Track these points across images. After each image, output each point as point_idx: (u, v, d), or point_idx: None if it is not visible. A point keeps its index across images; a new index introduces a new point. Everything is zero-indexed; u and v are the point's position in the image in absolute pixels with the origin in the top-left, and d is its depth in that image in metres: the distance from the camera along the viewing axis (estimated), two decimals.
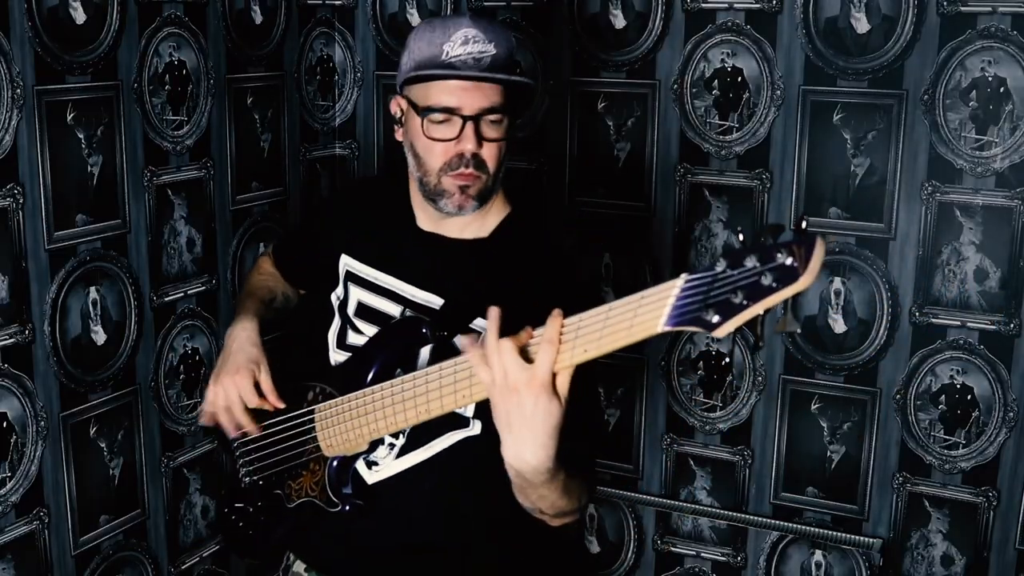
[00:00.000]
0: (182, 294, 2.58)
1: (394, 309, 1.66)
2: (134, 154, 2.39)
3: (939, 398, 2.54)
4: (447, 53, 1.55)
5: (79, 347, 2.32)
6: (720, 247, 2.67)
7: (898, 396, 2.57)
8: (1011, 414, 2.47)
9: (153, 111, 2.43)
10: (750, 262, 1.11)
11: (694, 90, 2.62)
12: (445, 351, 1.52)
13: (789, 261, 1.08)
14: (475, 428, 1.61)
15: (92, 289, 2.33)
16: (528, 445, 1.30)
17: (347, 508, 1.63)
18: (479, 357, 1.31)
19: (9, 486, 2.20)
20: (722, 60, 2.58)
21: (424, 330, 1.57)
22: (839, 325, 2.60)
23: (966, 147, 2.41)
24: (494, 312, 1.31)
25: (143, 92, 2.39)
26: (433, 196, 1.60)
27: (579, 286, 1.73)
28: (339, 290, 1.75)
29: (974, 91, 2.38)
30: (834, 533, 2.68)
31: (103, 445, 2.42)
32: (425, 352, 1.60)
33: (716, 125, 2.62)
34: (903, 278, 2.52)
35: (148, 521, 2.56)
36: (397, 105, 1.65)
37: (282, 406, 1.69)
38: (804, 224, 1.09)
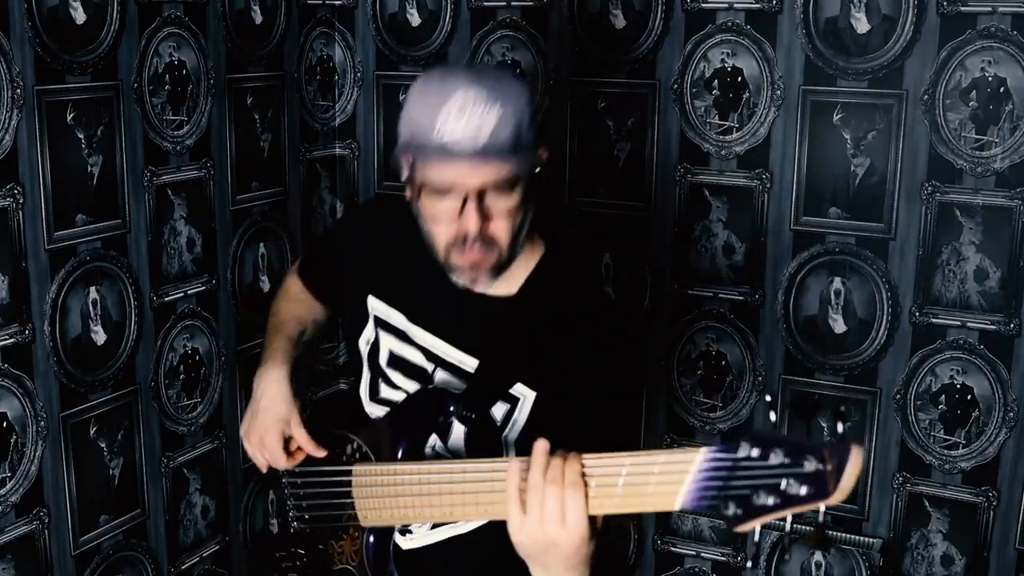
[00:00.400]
0: (182, 294, 2.58)
1: (427, 364, 1.57)
2: (134, 154, 2.39)
3: (939, 398, 2.54)
4: (438, 129, 1.37)
5: (79, 347, 2.32)
6: (720, 247, 2.67)
7: (898, 396, 2.57)
8: (1011, 414, 2.47)
9: (153, 111, 2.43)
10: (776, 458, 1.05)
11: (694, 90, 2.62)
12: (480, 426, 1.46)
13: (818, 469, 1.03)
14: None
15: (92, 289, 2.33)
16: (560, 551, 1.21)
17: None
18: (515, 490, 1.22)
19: (9, 486, 2.20)
20: (722, 60, 2.58)
21: (451, 407, 1.49)
22: (839, 325, 2.60)
23: (966, 147, 2.41)
24: (541, 448, 1.21)
25: (143, 92, 2.39)
26: (446, 268, 1.48)
27: (616, 345, 1.56)
28: (369, 333, 1.64)
29: (974, 91, 2.38)
30: (835, 533, 2.68)
31: (103, 445, 2.42)
32: (458, 428, 1.53)
33: (716, 125, 2.62)
34: (903, 278, 2.52)
35: (148, 521, 2.56)
36: (406, 163, 1.47)
37: (322, 455, 1.60)
38: (841, 428, 1.04)
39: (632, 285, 2.75)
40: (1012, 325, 2.44)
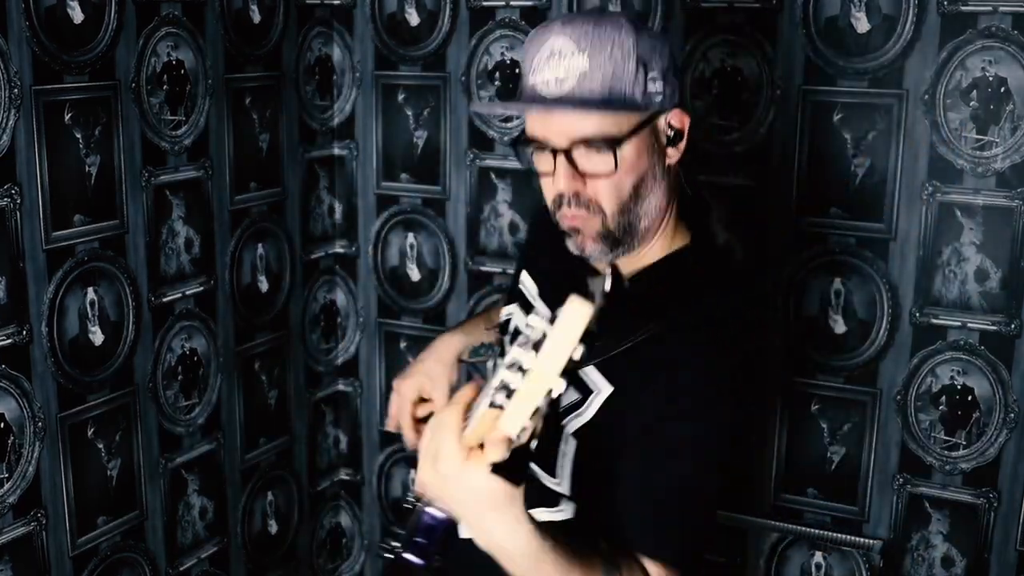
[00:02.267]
0: (180, 294, 2.57)
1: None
2: (132, 154, 2.39)
3: (939, 399, 2.53)
4: (532, 73, 1.32)
5: (77, 347, 2.31)
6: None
7: (898, 397, 2.57)
8: (1012, 415, 2.47)
9: (151, 111, 2.42)
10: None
11: (694, 90, 2.62)
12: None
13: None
14: (565, 511, 1.40)
15: (90, 289, 2.33)
16: (478, 535, 1.13)
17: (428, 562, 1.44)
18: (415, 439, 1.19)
19: (6, 487, 2.20)
20: (722, 60, 2.58)
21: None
22: (839, 326, 2.59)
23: (967, 147, 2.41)
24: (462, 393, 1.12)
25: (141, 92, 2.39)
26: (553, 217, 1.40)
27: (714, 372, 1.33)
28: (508, 308, 1.61)
29: (975, 91, 2.38)
30: (834, 534, 2.67)
31: (101, 446, 2.41)
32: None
33: (717, 125, 2.62)
34: (903, 278, 2.51)
35: (146, 522, 2.56)
36: None
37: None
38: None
39: None
40: (1013, 326, 2.43)
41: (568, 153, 1.31)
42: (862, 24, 2.44)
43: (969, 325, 2.47)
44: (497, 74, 2.81)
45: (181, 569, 2.68)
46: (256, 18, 2.72)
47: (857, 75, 2.47)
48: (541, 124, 1.33)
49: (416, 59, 2.92)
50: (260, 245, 2.81)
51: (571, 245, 1.40)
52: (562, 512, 1.41)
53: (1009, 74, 2.34)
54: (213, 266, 2.66)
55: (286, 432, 3.03)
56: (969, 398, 2.50)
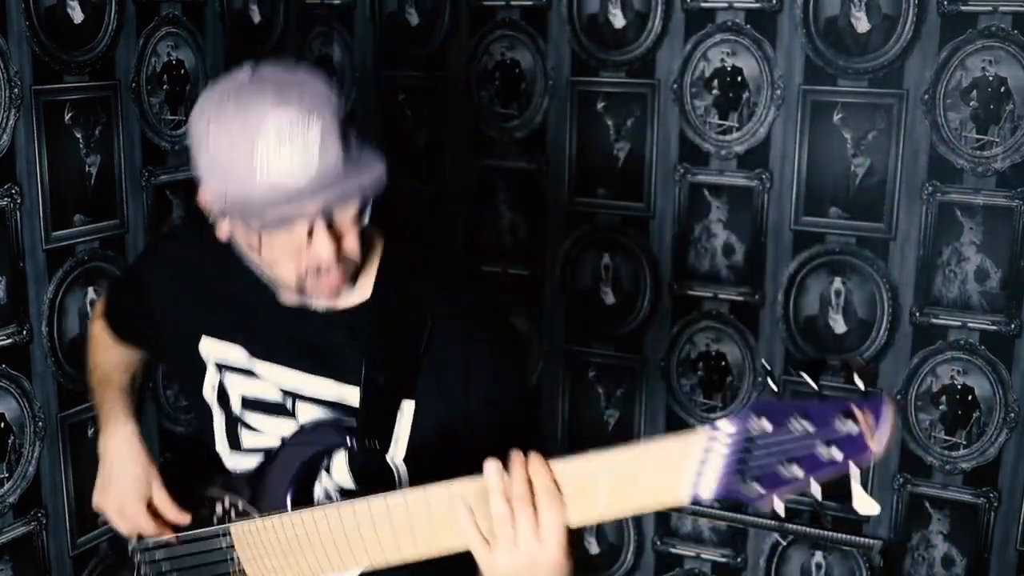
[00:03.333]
0: None
1: (285, 400, 1.39)
2: (132, 154, 2.39)
3: (940, 399, 2.53)
4: (260, 169, 1.16)
5: (77, 347, 2.31)
6: (720, 247, 2.66)
7: (899, 397, 2.56)
8: (1012, 415, 2.47)
9: (151, 111, 2.42)
10: (798, 425, 0.94)
11: (694, 90, 2.62)
12: (367, 454, 1.31)
13: (855, 431, 0.92)
14: None
15: (90, 289, 2.33)
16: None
17: None
18: (470, 525, 1.09)
19: (7, 487, 2.20)
20: (722, 60, 2.58)
21: (349, 439, 1.30)
22: (839, 325, 2.59)
23: (967, 147, 2.41)
24: (494, 469, 1.09)
25: (141, 92, 2.39)
26: (299, 296, 1.31)
27: (488, 336, 1.36)
28: (212, 378, 1.45)
29: (975, 91, 2.37)
30: (834, 534, 2.67)
31: None
32: (340, 458, 1.35)
33: (716, 125, 2.62)
34: (903, 278, 2.51)
35: None
36: (209, 196, 1.26)
37: (187, 521, 1.42)
38: (862, 384, 0.92)
39: (632, 285, 2.74)
40: (1013, 325, 2.43)
41: (328, 214, 1.23)
42: (862, 24, 2.44)
43: (969, 325, 2.47)
44: (497, 73, 2.81)
45: None
46: (256, 18, 2.72)
47: (857, 75, 2.47)
48: (292, 208, 1.19)
49: (417, 59, 2.92)
50: None
51: (319, 301, 1.32)
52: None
53: (1009, 74, 2.34)
54: None
55: None
56: (969, 398, 2.50)
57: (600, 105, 2.72)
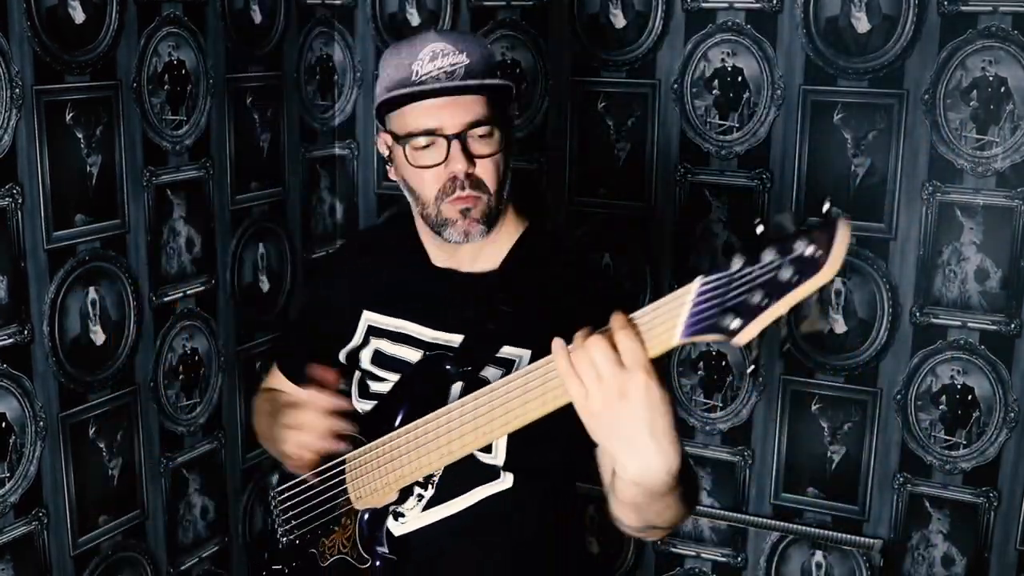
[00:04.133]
0: (181, 294, 2.57)
1: (413, 355, 1.57)
2: (133, 154, 2.39)
3: (940, 398, 2.53)
4: (416, 72, 1.45)
5: (78, 347, 2.32)
6: (720, 247, 2.66)
7: (899, 396, 2.57)
8: (1012, 414, 2.47)
9: (152, 111, 2.42)
10: (768, 255, 1.01)
11: (694, 90, 2.62)
12: (475, 387, 1.42)
13: (810, 251, 0.99)
14: (506, 481, 1.49)
15: (91, 289, 2.33)
16: (654, 450, 1.14)
17: (378, 564, 1.53)
18: (567, 368, 1.15)
19: (8, 486, 2.20)
20: (722, 60, 2.58)
21: (448, 366, 1.48)
22: (839, 325, 2.60)
23: (967, 147, 2.41)
24: (559, 342, 1.18)
25: (142, 92, 2.39)
26: (438, 227, 1.50)
27: (606, 302, 1.51)
28: (355, 341, 1.64)
29: (975, 91, 2.38)
30: (834, 534, 2.67)
31: (102, 445, 2.41)
32: (456, 389, 1.50)
33: (716, 125, 2.62)
34: (904, 278, 2.52)
35: (147, 522, 2.56)
36: (383, 142, 1.55)
37: (334, 380, 1.57)
38: (827, 207, 1.00)
39: (631, 285, 2.75)
40: (1013, 325, 2.44)
41: (463, 138, 1.45)
42: (862, 24, 2.45)
43: (969, 325, 2.48)
44: (497, 73, 2.81)
45: (182, 568, 2.68)
46: (257, 18, 2.72)
47: (857, 75, 2.47)
48: (434, 115, 1.45)
49: None
50: (261, 245, 2.81)
51: (454, 232, 1.49)
52: (503, 483, 1.49)
53: (1009, 74, 2.34)
54: (214, 266, 2.67)
55: None
56: (969, 397, 2.51)
57: (600, 105, 2.73)
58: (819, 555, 2.74)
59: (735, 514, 2.77)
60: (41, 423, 2.25)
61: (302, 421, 1.53)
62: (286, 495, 1.67)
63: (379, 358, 1.61)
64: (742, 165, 2.61)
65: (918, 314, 2.52)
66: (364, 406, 1.63)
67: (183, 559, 2.68)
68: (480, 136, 1.47)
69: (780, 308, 1.02)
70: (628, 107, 2.70)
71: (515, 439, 1.39)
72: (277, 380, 1.82)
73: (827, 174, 2.54)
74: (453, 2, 2.84)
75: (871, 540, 2.64)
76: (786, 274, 1.00)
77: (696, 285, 1.08)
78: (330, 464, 1.56)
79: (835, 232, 1.00)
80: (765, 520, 2.74)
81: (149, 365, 2.51)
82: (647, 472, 1.16)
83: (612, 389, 1.13)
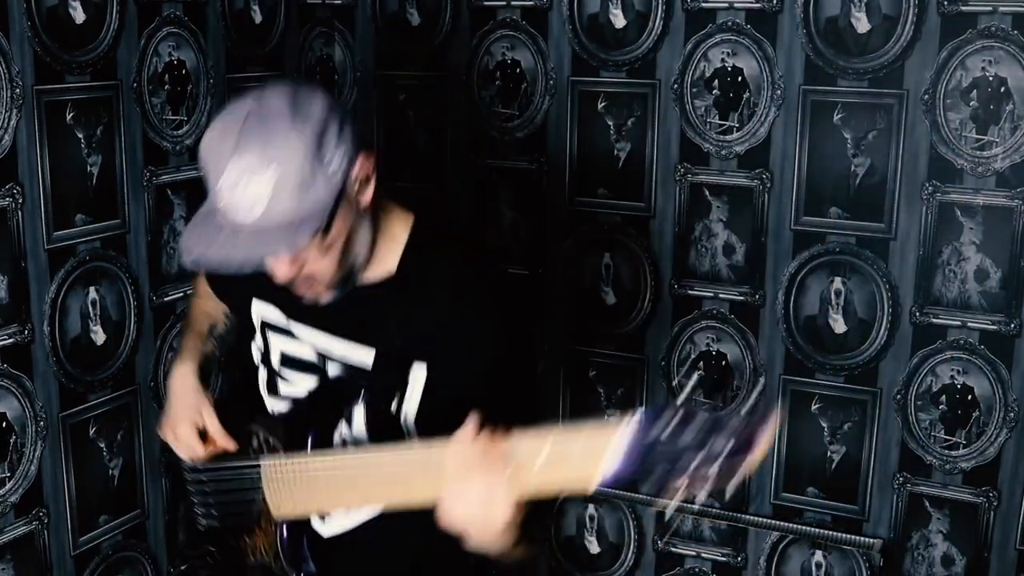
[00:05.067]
0: (182, 294, 2.57)
1: (317, 359, 1.57)
2: (133, 154, 2.39)
3: (939, 398, 2.53)
4: (219, 196, 1.31)
5: (78, 347, 2.32)
6: (720, 247, 2.66)
7: (898, 396, 2.57)
8: (1011, 414, 2.47)
9: (152, 111, 2.42)
10: (689, 436, 1.16)
11: (694, 90, 2.62)
12: (380, 410, 1.49)
13: (729, 446, 1.12)
14: None
15: (91, 289, 2.33)
16: (490, 536, 1.28)
17: None
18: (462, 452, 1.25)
19: (8, 486, 2.20)
20: (722, 60, 2.58)
21: (364, 393, 1.49)
22: (839, 325, 2.60)
23: (967, 147, 2.41)
24: (467, 431, 1.26)
25: (143, 92, 2.39)
26: None
27: (499, 317, 1.51)
28: (258, 340, 1.65)
29: (975, 91, 2.38)
30: (834, 533, 2.67)
31: (103, 445, 2.41)
32: (360, 411, 1.53)
33: (716, 125, 2.62)
34: (903, 278, 2.52)
35: (148, 521, 2.56)
36: None
37: (233, 448, 1.62)
38: (758, 389, 1.10)
39: (632, 285, 2.75)
40: (1012, 325, 2.44)
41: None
42: (862, 24, 2.45)
43: (969, 324, 2.48)
44: (497, 73, 2.81)
45: (182, 568, 2.68)
46: (257, 18, 2.72)
47: (857, 75, 2.47)
48: None
49: (417, 59, 2.92)
50: None
51: (307, 299, 1.46)
52: None
53: (1009, 74, 2.34)
54: None
55: None
56: (969, 397, 2.51)
57: (600, 105, 2.73)
58: (819, 555, 2.74)
59: (735, 514, 2.77)
60: (41, 423, 2.25)
61: (178, 431, 1.64)
62: (202, 476, 1.69)
63: (287, 360, 1.61)
64: (742, 165, 2.62)
65: (918, 314, 2.52)
66: (275, 404, 1.65)
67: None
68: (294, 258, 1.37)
69: (693, 491, 1.16)
70: (628, 107, 2.70)
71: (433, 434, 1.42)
72: (201, 279, 1.84)
73: (827, 174, 2.54)
74: (453, 2, 2.84)
75: (871, 540, 2.64)
76: (704, 468, 1.14)
77: (619, 436, 1.16)
78: (245, 463, 1.59)
79: (760, 433, 1.13)
80: (765, 520, 2.74)
81: (149, 365, 2.51)
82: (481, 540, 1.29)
83: (471, 518, 1.26)
